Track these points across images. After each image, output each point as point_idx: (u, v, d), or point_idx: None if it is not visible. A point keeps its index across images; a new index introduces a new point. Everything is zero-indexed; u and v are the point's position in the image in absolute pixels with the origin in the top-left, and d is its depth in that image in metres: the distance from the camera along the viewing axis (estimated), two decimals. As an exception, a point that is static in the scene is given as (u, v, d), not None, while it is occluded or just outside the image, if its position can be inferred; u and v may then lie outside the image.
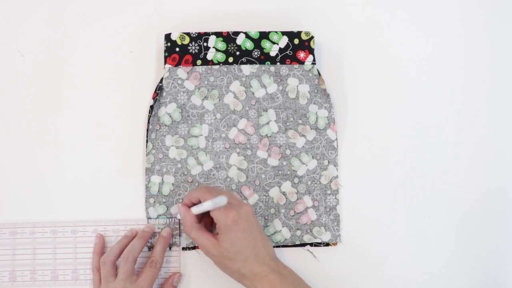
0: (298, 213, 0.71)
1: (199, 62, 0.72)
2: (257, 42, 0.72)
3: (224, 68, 0.72)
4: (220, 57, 0.72)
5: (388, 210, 0.73)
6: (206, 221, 0.68)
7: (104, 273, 0.66)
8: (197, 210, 0.65)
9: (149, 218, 0.71)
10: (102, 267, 0.66)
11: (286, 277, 0.64)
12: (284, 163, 0.72)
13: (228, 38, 0.72)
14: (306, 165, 0.72)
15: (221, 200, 0.63)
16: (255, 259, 0.64)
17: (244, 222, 0.64)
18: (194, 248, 0.71)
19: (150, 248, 0.70)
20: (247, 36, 0.72)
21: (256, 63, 0.73)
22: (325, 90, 0.73)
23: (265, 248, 0.65)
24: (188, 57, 0.72)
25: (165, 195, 0.71)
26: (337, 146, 0.73)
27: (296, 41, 0.72)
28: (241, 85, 0.72)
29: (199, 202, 0.66)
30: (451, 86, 0.75)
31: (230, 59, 0.72)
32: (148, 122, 0.71)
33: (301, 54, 0.73)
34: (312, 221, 0.71)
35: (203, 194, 0.65)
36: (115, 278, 0.66)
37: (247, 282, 0.64)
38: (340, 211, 0.72)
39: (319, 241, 0.71)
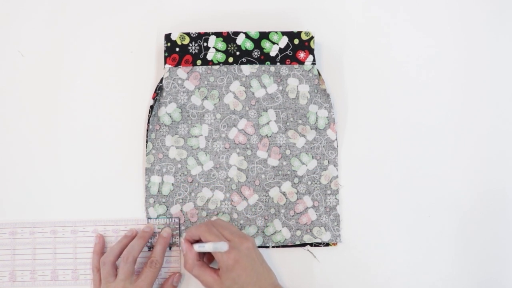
0: (298, 213, 0.71)
1: (199, 62, 0.72)
2: (257, 42, 0.72)
3: (224, 68, 0.72)
4: (220, 57, 0.72)
5: (388, 210, 0.73)
6: (207, 255, 0.68)
7: (104, 273, 0.66)
8: (198, 249, 0.65)
9: (149, 218, 0.71)
10: (102, 267, 0.66)
11: None
12: (284, 163, 0.72)
13: (228, 38, 0.72)
14: (306, 165, 0.72)
15: (222, 247, 0.62)
16: None
17: (245, 260, 0.64)
18: (194, 248, 0.71)
19: (150, 248, 0.70)
20: (247, 36, 0.72)
21: (256, 63, 0.73)
22: (325, 90, 0.73)
23: (266, 279, 0.65)
24: (188, 57, 0.72)
25: (165, 195, 0.71)
26: (337, 146, 0.73)
27: (296, 41, 0.72)
28: (241, 85, 0.72)
29: (200, 239, 0.66)
30: (451, 86, 0.75)
31: (230, 59, 0.72)
32: (148, 122, 0.71)
33: (301, 54, 0.73)
34: (312, 221, 0.71)
35: (204, 234, 0.65)
36: (115, 278, 0.66)
37: None
38: (340, 211, 0.72)
39: (319, 241, 0.71)
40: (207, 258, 0.68)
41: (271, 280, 0.66)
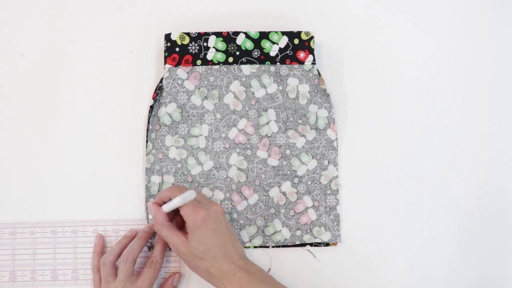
0: (298, 213, 0.71)
1: (199, 62, 0.72)
2: (257, 42, 0.72)
3: (224, 68, 0.72)
4: (220, 57, 0.72)
5: (388, 210, 0.73)
6: (178, 221, 0.68)
7: (104, 274, 0.66)
8: (167, 207, 0.65)
9: (149, 218, 0.71)
10: (101, 267, 0.66)
11: (255, 274, 0.64)
12: (284, 163, 0.72)
13: (228, 38, 0.72)
14: (306, 165, 0.72)
15: (190, 195, 0.63)
16: (224, 258, 0.64)
17: (213, 221, 0.64)
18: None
19: (150, 248, 0.70)
20: (247, 36, 0.72)
21: (256, 63, 0.73)
22: (325, 90, 0.73)
23: (233, 247, 0.65)
24: (188, 57, 0.72)
25: (165, 195, 0.71)
26: (337, 146, 0.73)
27: (296, 41, 0.72)
28: (241, 85, 0.72)
29: (170, 200, 0.66)
30: (451, 86, 0.75)
31: (230, 59, 0.72)
32: (148, 122, 0.71)
33: (301, 54, 0.73)
34: (312, 221, 0.71)
35: (174, 192, 0.66)
36: (115, 279, 0.66)
37: (216, 281, 0.64)
38: (340, 211, 0.72)
39: (319, 241, 0.71)
40: (175, 223, 0.68)
41: (238, 250, 0.66)
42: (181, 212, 0.65)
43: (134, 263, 0.66)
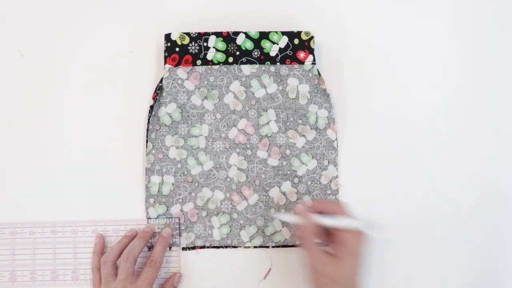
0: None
1: (199, 62, 0.72)
2: (257, 42, 0.72)
3: (224, 68, 0.72)
4: (220, 57, 0.72)
5: (388, 210, 0.72)
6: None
7: (104, 273, 0.66)
8: (330, 221, 0.62)
9: (149, 218, 0.71)
10: (102, 267, 0.66)
11: None
12: (284, 163, 0.72)
13: (228, 38, 0.72)
14: (306, 165, 0.72)
15: (374, 227, 0.60)
16: None
17: (363, 252, 0.61)
18: (194, 248, 0.71)
19: (150, 248, 0.70)
20: (247, 36, 0.72)
21: (256, 63, 0.73)
22: (325, 90, 0.73)
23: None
24: (188, 57, 0.72)
25: (165, 195, 0.71)
26: (337, 146, 0.73)
27: (296, 41, 0.72)
28: (241, 85, 0.72)
29: (320, 213, 0.63)
30: (451, 86, 0.75)
31: (230, 59, 0.72)
32: (148, 122, 0.71)
33: (301, 54, 0.73)
34: (312, 221, 0.71)
35: (341, 210, 0.62)
36: (115, 278, 0.66)
37: None
38: (340, 211, 0.72)
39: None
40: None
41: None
42: (345, 234, 0.61)
43: (135, 262, 0.66)
